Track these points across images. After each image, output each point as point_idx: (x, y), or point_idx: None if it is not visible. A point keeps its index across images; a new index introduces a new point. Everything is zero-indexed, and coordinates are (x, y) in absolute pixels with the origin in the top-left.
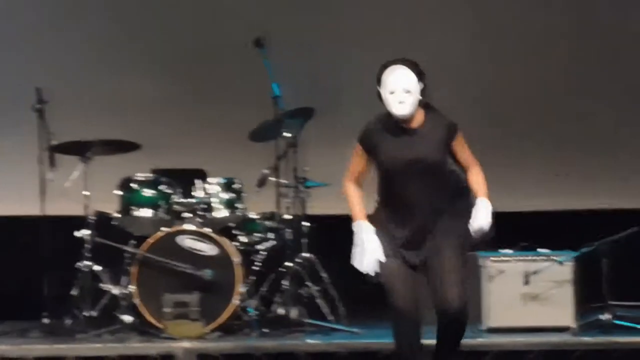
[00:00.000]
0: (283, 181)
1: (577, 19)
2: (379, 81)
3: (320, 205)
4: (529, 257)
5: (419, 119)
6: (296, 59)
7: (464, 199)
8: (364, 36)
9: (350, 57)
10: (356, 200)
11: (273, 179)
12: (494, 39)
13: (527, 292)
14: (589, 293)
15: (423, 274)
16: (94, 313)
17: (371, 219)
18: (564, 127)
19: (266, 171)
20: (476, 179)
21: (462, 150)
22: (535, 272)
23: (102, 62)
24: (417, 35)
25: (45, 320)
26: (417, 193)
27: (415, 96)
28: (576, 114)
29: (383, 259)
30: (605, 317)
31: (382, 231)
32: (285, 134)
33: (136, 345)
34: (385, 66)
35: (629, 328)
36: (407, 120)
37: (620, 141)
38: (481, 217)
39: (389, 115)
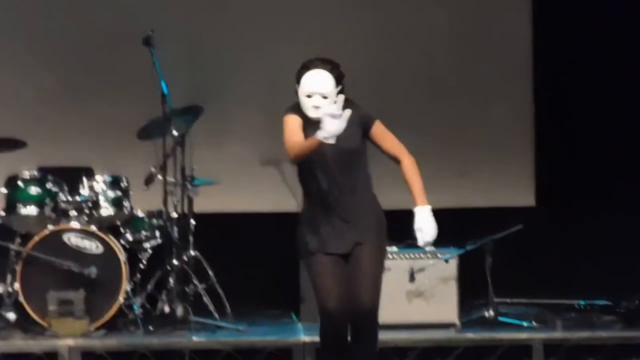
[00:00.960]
0: (170, 179)
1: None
2: (297, 81)
3: (207, 203)
4: (415, 255)
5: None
6: (184, 57)
7: (378, 205)
8: (251, 35)
9: (238, 56)
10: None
11: (160, 177)
12: (382, 36)
13: (412, 289)
14: (473, 290)
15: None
16: None
17: (300, 216)
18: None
19: (153, 169)
20: (411, 174)
21: (385, 138)
22: (420, 269)
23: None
24: (304, 34)
25: None
26: (337, 181)
27: (331, 100)
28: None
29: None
30: (489, 313)
31: (310, 225)
32: (173, 132)
33: (20, 343)
34: (305, 67)
35: (512, 324)
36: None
37: (497, 141)
38: (429, 231)
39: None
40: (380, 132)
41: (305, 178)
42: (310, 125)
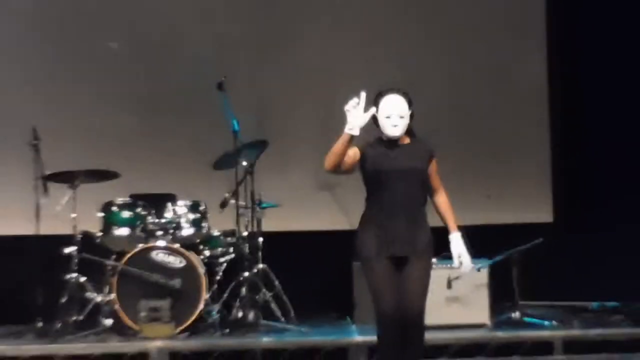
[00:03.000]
0: (242, 203)
1: None
2: (376, 105)
3: (273, 223)
4: (451, 266)
5: (404, 139)
6: (251, 98)
7: (428, 222)
8: (308, 77)
9: (297, 97)
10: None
11: (233, 201)
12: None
13: (450, 295)
14: (501, 295)
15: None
16: (80, 318)
17: (362, 221)
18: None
19: (227, 195)
20: (446, 206)
21: (434, 173)
22: (456, 278)
23: (88, 102)
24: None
25: (39, 324)
26: (404, 192)
27: (406, 120)
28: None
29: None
30: (515, 315)
31: (372, 230)
32: (243, 162)
33: (116, 345)
34: (382, 94)
35: (535, 324)
36: (397, 139)
37: (518, 166)
38: (467, 255)
39: (380, 139)
40: (433, 166)
41: (375, 186)
42: (374, 152)
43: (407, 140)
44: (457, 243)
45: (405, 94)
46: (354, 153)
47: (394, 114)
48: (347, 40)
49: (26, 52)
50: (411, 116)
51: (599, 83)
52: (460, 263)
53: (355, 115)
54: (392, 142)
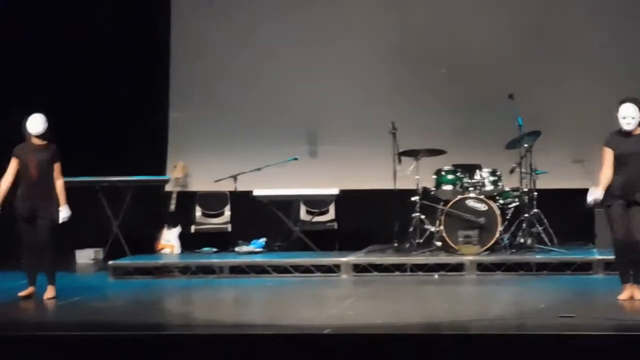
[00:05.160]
0: (524, 170)
1: None
2: (618, 109)
3: (544, 183)
4: None
5: (636, 131)
6: (531, 104)
7: None
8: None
9: (562, 94)
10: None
11: (518, 169)
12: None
13: None
14: None
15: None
16: (420, 241)
17: (606, 190)
18: None
19: (514, 165)
20: None
21: None
22: None
23: (427, 105)
24: None
25: (395, 244)
26: (633, 167)
27: (636, 120)
28: None
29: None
30: None
31: (613, 187)
32: (524, 144)
33: (443, 258)
34: (621, 102)
35: None
36: (630, 132)
37: None
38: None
39: (619, 130)
40: None
41: (616, 170)
42: (616, 142)
43: (637, 132)
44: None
45: (636, 101)
46: (606, 153)
47: (628, 116)
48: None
49: (386, 68)
50: None
51: None
52: None
53: (593, 195)
54: (627, 133)
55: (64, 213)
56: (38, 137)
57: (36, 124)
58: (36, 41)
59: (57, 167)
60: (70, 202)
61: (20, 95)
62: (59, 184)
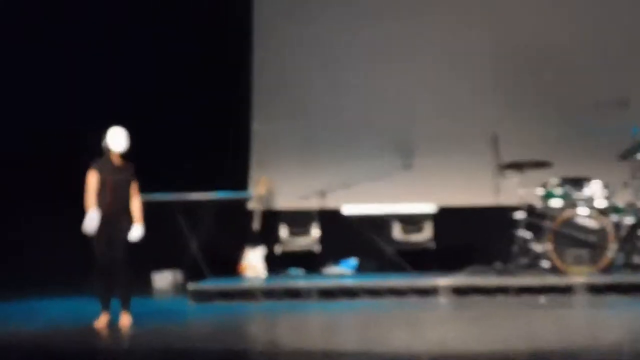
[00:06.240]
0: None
1: None
2: None
3: None
4: None
5: None
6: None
7: None
8: None
9: None
10: None
11: (632, 182)
12: None
13: None
14: None
15: None
16: (525, 261)
17: None
18: None
19: (628, 180)
20: None
21: None
22: None
23: (528, 114)
24: None
25: (498, 266)
26: None
27: None
28: None
29: None
30: None
31: None
32: (638, 156)
33: (552, 279)
34: None
35: None
36: None
37: None
38: None
39: None
40: None
41: None
42: None
43: None
44: None
45: None
46: None
47: None
48: None
49: (486, 73)
50: None
51: None
52: None
53: None
54: None
55: (137, 232)
56: (120, 154)
57: (120, 139)
58: (120, 55)
59: (134, 186)
60: (146, 221)
61: (103, 108)
62: (136, 203)
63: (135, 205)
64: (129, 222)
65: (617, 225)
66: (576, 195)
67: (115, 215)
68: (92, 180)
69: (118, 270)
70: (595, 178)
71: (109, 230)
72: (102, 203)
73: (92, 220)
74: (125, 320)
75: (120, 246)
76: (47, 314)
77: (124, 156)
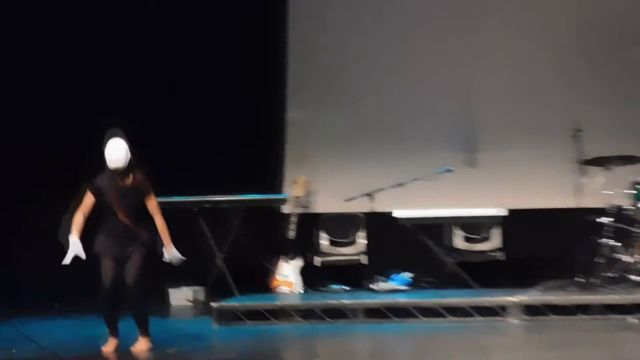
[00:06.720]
0: None
1: None
2: None
3: None
4: None
5: None
6: None
7: None
8: None
9: None
10: None
11: None
12: None
13: None
14: None
15: None
16: (612, 274)
17: None
18: None
19: None
20: None
21: None
22: None
23: (618, 101)
24: None
25: (579, 279)
26: None
27: None
28: None
29: None
30: None
31: None
32: None
33: None
34: None
35: None
36: None
37: None
38: None
39: None
40: None
41: None
42: None
43: None
44: None
45: None
46: None
47: None
48: None
49: (564, 57)
50: None
51: None
52: None
53: None
54: None
55: (171, 255)
56: (120, 172)
57: (116, 156)
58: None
59: (151, 202)
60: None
61: (123, 98)
62: (159, 222)
63: (159, 224)
64: (141, 244)
65: None
66: None
67: (129, 237)
68: (86, 202)
69: (129, 297)
70: None
71: (115, 257)
72: (110, 224)
73: (72, 247)
74: (141, 345)
75: (130, 273)
76: (51, 337)
77: (131, 171)
